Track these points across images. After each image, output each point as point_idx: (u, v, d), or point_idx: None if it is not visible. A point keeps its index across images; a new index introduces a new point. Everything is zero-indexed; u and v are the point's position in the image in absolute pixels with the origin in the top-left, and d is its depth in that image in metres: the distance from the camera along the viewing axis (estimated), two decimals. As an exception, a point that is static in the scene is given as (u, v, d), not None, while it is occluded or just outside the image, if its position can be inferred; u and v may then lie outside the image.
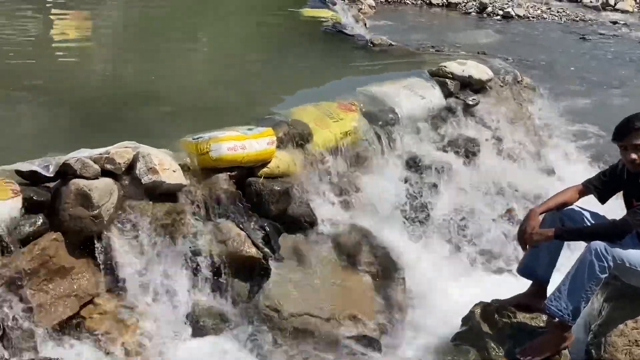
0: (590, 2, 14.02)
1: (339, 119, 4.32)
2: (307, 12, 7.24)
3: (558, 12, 12.87)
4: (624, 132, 3.16)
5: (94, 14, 7.30)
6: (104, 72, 5.36)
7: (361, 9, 10.44)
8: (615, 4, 13.65)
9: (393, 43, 6.26)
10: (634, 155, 3.13)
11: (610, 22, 12.42)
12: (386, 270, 3.78)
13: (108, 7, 7.84)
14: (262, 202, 3.73)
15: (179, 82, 5.01)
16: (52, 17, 6.91)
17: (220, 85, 5.06)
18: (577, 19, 12.53)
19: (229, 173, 3.66)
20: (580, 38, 11.13)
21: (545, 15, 12.59)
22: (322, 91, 4.88)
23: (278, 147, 3.85)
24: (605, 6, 13.65)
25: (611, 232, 3.10)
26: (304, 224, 3.85)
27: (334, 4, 7.96)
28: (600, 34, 11.46)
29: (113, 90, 4.82)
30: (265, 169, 3.78)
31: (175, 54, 5.83)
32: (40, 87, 4.72)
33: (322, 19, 6.93)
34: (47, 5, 7.36)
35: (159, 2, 7.99)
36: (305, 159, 4.02)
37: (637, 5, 13.68)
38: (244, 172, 3.74)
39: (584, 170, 5.16)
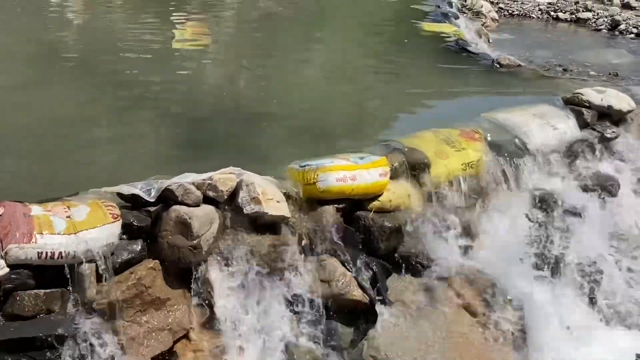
0: None
1: (461, 149, 3.93)
2: (428, 26, 6.87)
3: (703, 30, 11.78)
4: None
5: (213, 23, 7.28)
6: (214, 88, 5.23)
7: (484, 22, 9.92)
8: None
9: (522, 64, 5.79)
10: None
11: None
12: (511, 324, 3.37)
13: (225, 18, 7.81)
14: (371, 238, 3.42)
15: (290, 99, 4.80)
16: (172, 24, 6.91)
17: (332, 104, 4.80)
18: None
19: (336, 205, 3.38)
20: None
21: (688, 34, 11.54)
22: (443, 115, 4.52)
23: (391, 178, 3.53)
24: None
25: None
26: (416, 265, 3.50)
27: (457, 17, 7.55)
28: None
29: (222, 107, 4.67)
30: (375, 203, 3.47)
31: (287, 68, 5.64)
32: (149, 100, 4.64)
33: (443, 34, 6.55)
34: (170, 9, 7.42)
35: (272, 15, 7.91)
36: (421, 193, 3.67)
37: None
38: (352, 204, 3.45)
39: None
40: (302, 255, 3.24)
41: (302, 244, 3.25)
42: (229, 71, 5.72)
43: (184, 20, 7.04)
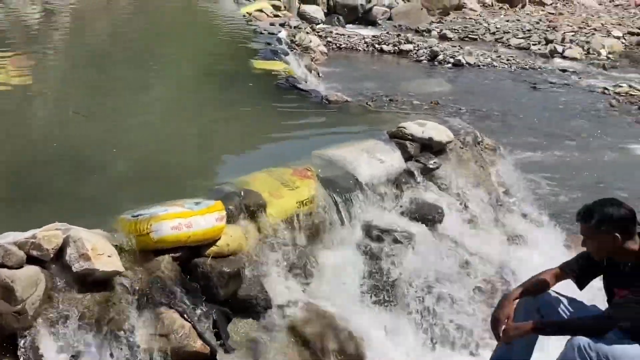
0: (539, 49, 14.19)
1: (295, 187, 4.01)
2: (259, 64, 6.95)
3: (508, 59, 12.95)
4: (581, 222, 2.97)
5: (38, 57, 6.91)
6: (39, 132, 4.95)
7: (314, 57, 10.26)
8: (563, 52, 13.83)
9: (349, 99, 6.02)
10: (591, 247, 2.93)
11: (560, 70, 12.53)
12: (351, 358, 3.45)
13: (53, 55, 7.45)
14: (210, 285, 3.37)
15: (123, 144, 4.64)
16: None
17: (164, 147, 4.70)
18: (527, 66, 12.61)
19: (172, 255, 3.30)
20: (532, 87, 11.16)
21: (495, 64, 12.63)
22: (276, 154, 4.58)
23: (228, 221, 3.52)
24: (553, 54, 13.82)
25: (595, 327, 2.85)
26: (257, 307, 3.50)
27: (286, 54, 7.71)
28: (551, 82, 11.52)
29: (47, 155, 4.42)
30: (213, 248, 3.43)
31: (120, 110, 5.45)
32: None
33: (274, 72, 6.65)
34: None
35: (105, 46, 7.67)
36: (258, 234, 3.69)
37: (585, 53, 13.89)
38: (189, 252, 3.39)
39: (550, 234, 4.99)
40: (139, 310, 3.12)
41: (138, 299, 3.13)
42: (55, 113, 5.44)
43: (5, 57, 6.63)
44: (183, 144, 4.81)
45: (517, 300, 3.10)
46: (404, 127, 4.90)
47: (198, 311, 3.27)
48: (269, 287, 3.58)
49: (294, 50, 8.87)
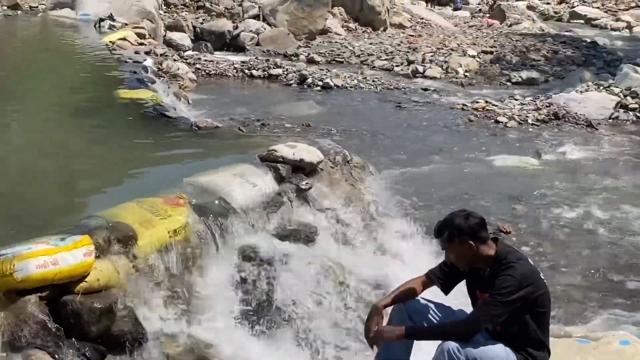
0: (402, 70, 14.81)
1: (166, 216, 3.95)
2: (125, 93, 6.79)
3: (373, 81, 13.40)
4: (436, 237, 3.21)
5: None
6: None
7: (182, 84, 10.15)
8: (424, 72, 14.51)
9: (219, 125, 6.01)
10: (452, 258, 3.16)
11: (422, 89, 13.12)
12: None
13: None
14: (81, 323, 3.25)
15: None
16: None
17: (28, 181, 4.49)
18: (392, 87, 13.10)
19: (39, 294, 3.16)
20: (397, 106, 11.60)
21: (362, 85, 13.03)
22: (146, 185, 4.49)
23: (97, 256, 3.41)
24: (415, 73, 14.46)
25: (462, 331, 3.01)
26: (132, 342, 3.40)
27: (153, 82, 7.60)
28: (414, 101, 12.03)
29: None
30: (82, 284, 3.31)
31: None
32: None
33: (141, 101, 6.52)
34: None
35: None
36: (130, 267, 3.60)
37: (444, 72, 14.65)
38: (58, 290, 3.25)
39: (420, 246, 5.19)
40: (7, 353, 2.96)
41: (7, 342, 2.97)
42: None
43: None
44: (45, 179, 4.61)
45: (387, 309, 3.23)
46: (275, 150, 4.97)
47: (70, 351, 3.14)
48: (143, 321, 3.49)
49: (162, 78, 8.75)
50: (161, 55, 11.03)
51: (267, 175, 4.74)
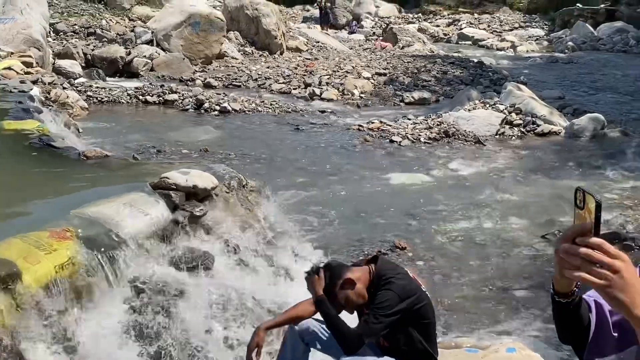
0: (299, 93, 14.98)
1: (52, 250, 3.78)
2: (9, 124, 6.49)
3: (271, 104, 13.47)
4: None
5: None
6: None
7: (72, 113, 9.83)
8: (321, 94, 14.74)
9: (108, 153, 5.84)
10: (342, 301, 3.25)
11: (320, 111, 13.32)
12: None
13: None
14: (-39, 367, 3.07)
15: None
16: None
17: None
18: (290, 109, 13.22)
19: None
20: (295, 129, 11.72)
21: (260, 108, 13.07)
22: (30, 219, 4.29)
23: (-24, 297, 3.24)
24: (313, 96, 14.66)
25: (348, 340, 3.05)
26: (17, 387, 3.24)
27: (40, 111, 7.31)
28: (312, 123, 12.19)
29: None
30: (-38, 328, 3.13)
31: None
32: None
33: (26, 131, 6.25)
34: None
35: None
36: (14, 305, 3.42)
37: (341, 94, 14.93)
38: None
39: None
40: None
41: None
42: None
43: None
44: None
45: (269, 330, 3.26)
46: (167, 177, 4.88)
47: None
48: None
49: (50, 107, 8.43)
50: (49, 83, 10.66)
51: (159, 203, 4.64)
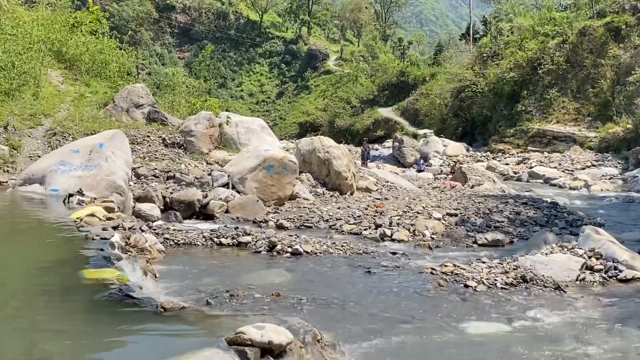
0: (370, 234, 15.01)
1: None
2: (89, 273, 6.69)
3: (342, 245, 13.49)
4: None
5: None
6: None
7: (149, 257, 10.09)
8: (392, 235, 14.71)
9: (185, 305, 5.89)
10: None
11: (391, 252, 13.23)
12: None
13: None
14: None
15: None
16: None
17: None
18: (361, 251, 13.19)
19: None
20: (366, 272, 11.61)
21: (331, 250, 13.10)
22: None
23: None
24: (383, 237, 14.65)
25: None
26: None
27: (120, 259, 7.53)
28: (384, 265, 12.06)
29: None
30: None
31: None
32: None
33: (107, 281, 6.41)
34: None
35: None
36: None
37: (412, 234, 14.87)
38: None
39: None
40: None
41: None
42: None
43: None
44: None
45: None
46: (243, 332, 4.86)
47: None
48: None
49: (129, 253, 8.69)
50: (129, 229, 11.05)
51: (234, 360, 4.60)
